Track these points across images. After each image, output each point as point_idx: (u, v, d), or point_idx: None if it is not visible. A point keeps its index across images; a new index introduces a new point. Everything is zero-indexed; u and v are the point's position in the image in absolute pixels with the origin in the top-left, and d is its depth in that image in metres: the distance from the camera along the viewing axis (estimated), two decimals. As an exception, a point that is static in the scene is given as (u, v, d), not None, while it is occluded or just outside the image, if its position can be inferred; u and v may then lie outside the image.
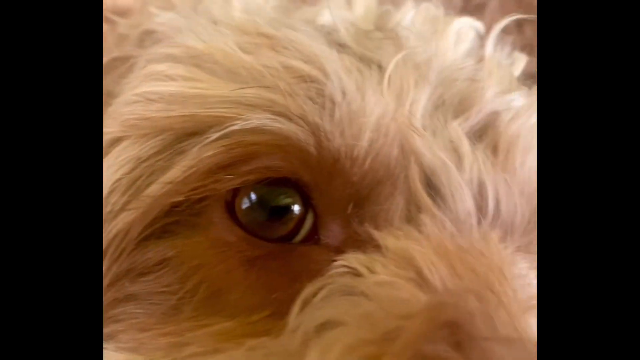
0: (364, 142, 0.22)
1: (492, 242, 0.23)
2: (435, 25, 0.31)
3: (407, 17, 0.30)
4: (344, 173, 0.22)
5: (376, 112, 0.23)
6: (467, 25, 0.32)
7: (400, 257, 0.21)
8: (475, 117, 0.25)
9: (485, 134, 0.26)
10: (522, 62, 0.33)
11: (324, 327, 0.18)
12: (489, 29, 0.34)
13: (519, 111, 0.27)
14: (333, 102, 0.22)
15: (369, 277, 0.20)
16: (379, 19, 0.31)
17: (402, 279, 0.20)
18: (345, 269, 0.21)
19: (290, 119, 0.22)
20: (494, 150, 0.25)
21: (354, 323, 0.18)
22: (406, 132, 0.23)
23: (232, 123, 0.22)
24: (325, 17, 0.29)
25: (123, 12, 0.55)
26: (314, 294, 0.20)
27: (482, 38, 0.34)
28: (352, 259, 0.21)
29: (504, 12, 0.38)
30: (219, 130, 0.22)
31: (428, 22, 0.31)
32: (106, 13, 0.54)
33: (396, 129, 0.23)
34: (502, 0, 0.76)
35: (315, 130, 0.22)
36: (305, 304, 0.19)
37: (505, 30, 0.33)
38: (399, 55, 0.24)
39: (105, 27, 0.52)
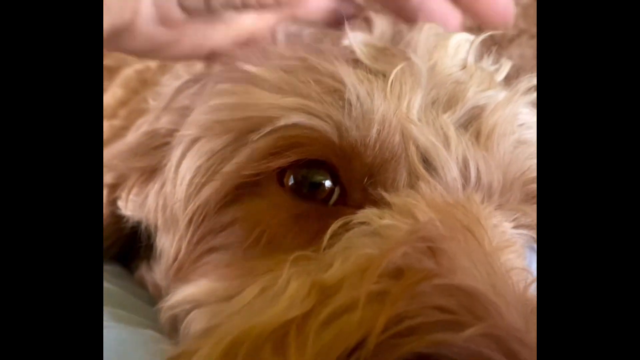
0: (373, 133, 0.30)
1: (473, 200, 0.31)
2: (437, 40, 0.39)
3: (414, 35, 0.39)
4: (360, 156, 0.31)
5: (381, 110, 0.31)
6: (463, 40, 0.40)
7: (402, 210, 0.29)
8: (460, 110, 0.33)
9: (471, 124, 0.33)
10: (507, 66, 0.41)
11: (345, 249, 0.27)
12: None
13: (498, 105, 0.34)
14: (350, 105, 0.31)
15: (379, 222, 0.28)
16: (393, 38, 0.39)
17: (402, 223, 0.28)
18: (363, 218, 0.29)
19: (319, 118, 0.31)
20: (477, 135, 0.33)
21: (365, 246, 0.26)
22: (405, 123, 0.31)
23: (278, 121, 0.31)
24: (347, 40, 0.38)
25: None
26: (340, 229, 0.28)
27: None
28: (369, 212, 0.29)
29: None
30: (269, 127, 0.31)
31: (432, 38, 0.39)
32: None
33: (397, 121, 0.31)
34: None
35: (337, 126, 0.31)
36: (334, 236, 0.28)
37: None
38: (398, 67, 0.32)
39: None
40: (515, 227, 0.33)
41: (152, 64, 0.66)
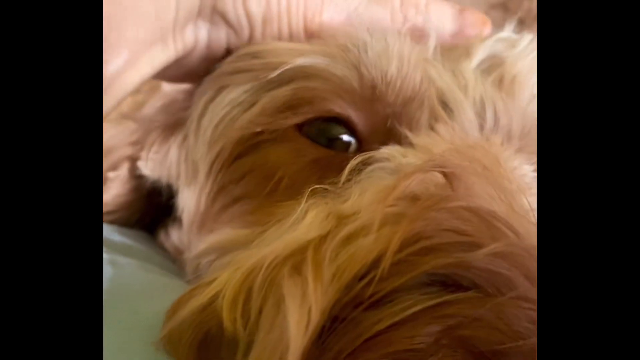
0: (393, 69, 0.30)
1: (493, 142, 0.30)
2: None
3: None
4: (382, 96, 0.31)
5: (397, 48, 0.31)
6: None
7: (423, 149, 0.29)
8: (479, 57, 0.33)
9: (494, 70, 0.33)
10: (529, 38, 0.40)
11: (364, 182, 0.27)
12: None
13: (520, 55, 0.34)
14: (365, 45, 0.31)
15: (400, 159, 0.28)
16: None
17: (422, 160, 0.28)
18: (385, 154, 0.29)
19: (337, 60, 0.31)
20: (501, 80, 0.33)
21: (384, 179, 0.26)
22: (424, 64, 0.31)
23: (295, 61, 0.31)
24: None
25: None
26: (360, 164, 0.28)
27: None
28: (391, 148, 0.29)
29: None
30: (288, 65, 0.31)
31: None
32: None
33: (416, 60, 0.31)
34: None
35: (356, 65, 0.30)
36: (353, 173, 0.28)
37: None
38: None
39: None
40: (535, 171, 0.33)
41: None
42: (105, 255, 0.31)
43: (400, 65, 0.31)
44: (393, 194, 0.23)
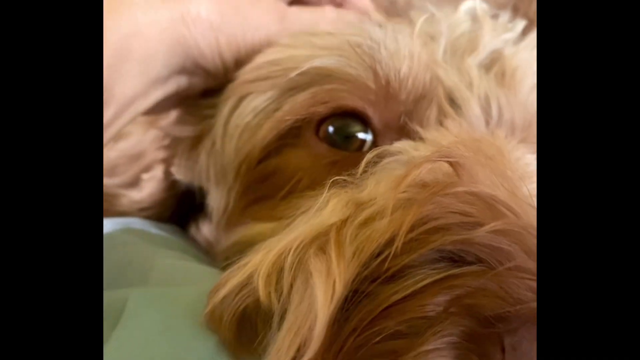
0: (404, 68, 0.33)
1: (497, 135, 0.33)
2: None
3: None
4: (395, 94, 0.33)
5: (408, 49, 0.33)
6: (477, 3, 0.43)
7: (433, 143, 0.31)
8: (482, 54, 0.36)
9: (495, 65, 0.36)
10: (522, 24, 0.43)
11: (380, 173, 0.29)
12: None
13: (519, 49, 0.37)
14: (378, 44, 0.33)
15: (412, 152, 0.31)
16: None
17: (431, 152, 0.30)
18: (398, 148, 0.31)
19: (353, 60, 0.33)
20: (502, 75, 0.35)
21: (397, 169, 0.29)
22: (432, 64, 0.34)
23: (313, 62, 0.33)
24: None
25: None
26: (376, 157, 0.30)
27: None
28: (404, 143, 0.32)
29: None
30: (306, 66, 0.33)
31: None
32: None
33: (426, 61, 0.34)
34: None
35: (370, 63, 0.33)
36: (369, 165, 0.30)
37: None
38: (423, 17, 0.35)
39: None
40: None
41: None
42: (147, 246, 0.34)
43: (411, 64, 0.33)
44: (405, 182, 0.25)
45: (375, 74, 0.33)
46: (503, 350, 0.21)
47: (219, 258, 0.36)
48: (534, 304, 0.21)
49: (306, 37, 0.38)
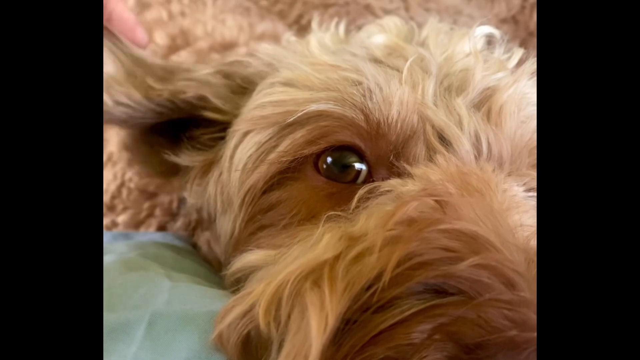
0: (394, 113, 0.36)
1: (485, 169, 0.35)
2: (448, 35, 0.44)
3: (425, 32, 0.44)
4: (385, 135, 0.36)
5: (398, 95, 0.36)
6: (473, 33, 0.45)
7: (422, 178, 0.33)
8: (472, 93, 0.38)
9: (483, 104, 0.38)
10: (519, 54, 0.45)
11: (370, 207, 0.32)
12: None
13: (505, 86, 0.38)
14: (371, 92, 0.36)
15: (401, 188, 0.33)
16: (406, 36, 0.45)
17: (418, 188, 0.33)
18: (388, 186, 0.34)
19: (346, 105, 0.36)
20: (489, 113, 0.37)
21: (387, 206, 0.32)
22: (420, 107, 0.36)
23: (310, 107, 0.36)
24: (366, 40, 0.44)
25: (229, 45, 0.73)
26: (367, 194, 0.33)
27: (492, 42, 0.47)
28: (393, 181, 0.34)
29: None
30: (302, 111, 0.36)
31: (443, 33, 0.44)
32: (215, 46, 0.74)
33: (413, 104, 0.36)
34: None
35: (363, 109, 0.36)
36: (362, 201, 0.33)
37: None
38: (409, 61, 0.38)
39: (216, 56, 0.71)
40: (525, 191, 0.37)
41: None
42: (161, 270, 0.37)
43: (400, 109, 0.36)
44: (393, 219, 0.28)
45: (367, 117, 0.36)
46: None
47: (227, 281, 0.39)
48: (511, 332, 0.24)
49: (307, 71, 0.40)
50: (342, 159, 0.37)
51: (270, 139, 0.38)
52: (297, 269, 0.28)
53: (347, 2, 1.24)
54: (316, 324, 0.25)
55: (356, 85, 0.37)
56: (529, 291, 0.25)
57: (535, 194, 0.37)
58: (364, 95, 0.36)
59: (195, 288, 0.35)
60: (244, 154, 0.39)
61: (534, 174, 0.38)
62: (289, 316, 0.27)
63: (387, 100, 0.36)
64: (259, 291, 0.29)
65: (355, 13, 1.24)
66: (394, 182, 0.34)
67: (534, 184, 0.38)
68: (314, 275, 0.28)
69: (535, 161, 0.38)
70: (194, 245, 0.50)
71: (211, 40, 0.81)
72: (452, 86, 0.39)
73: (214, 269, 0.45)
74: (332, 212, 0.33)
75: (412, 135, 0.36)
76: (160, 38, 0.79)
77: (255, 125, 0.39)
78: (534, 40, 1.26)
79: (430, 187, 0.30)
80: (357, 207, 0.33)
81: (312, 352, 0.24)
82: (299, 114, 0.37)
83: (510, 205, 0.33)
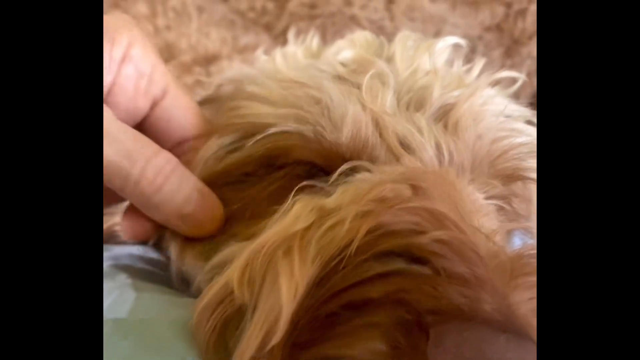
0: (347, 131, 0.37)
1: (449, 171, 0.36)
2: (414, 49, 0.46)
3: (393, 47, 0.46)
4: (339, 151, 0.37)
5: (354, 111, 0.38)
6: (445, 45, 0.47)
7: (388, 172, 0.34)
8: (430, 109, 0.39)
9: (441, 119, 0.39)
10: (480, 65, 0.47)
11: (349, 183, 0.34)
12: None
13: (462, 101, 0.40)
14: (329, 110, 0.38)
15: (383, 171, 0.35)
16: (375, 50, 0.46)
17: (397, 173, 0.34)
18: (372, 167, 0.35)
19: (305, 124, 0.38)
20: (446, 126, 0.39)
21: (364, 184, 0.33)
22: (379, 116, 0.37)
23: (272, 128, 0.38)
24: (335, 56, 0.45)
25: (212, 58, 0.74)
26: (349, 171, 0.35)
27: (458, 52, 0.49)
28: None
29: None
30: (264, 132, 0.38)
31: (409, 47, 0.46)
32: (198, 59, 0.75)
33: (370, 118, 0.37)
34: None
35: (319, 129, 0.38)
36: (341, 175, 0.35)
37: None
38: (367, 76, 0.39)
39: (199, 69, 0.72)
40: (485, 198, 0.39)
41: (190, 80, 0.75)
42: (130, 281, 0.38)
43: (354, 127, 0.37)
44: (367, 197, 0.30)
45: (322, 135, 0.38)
46: (428, 338, 0.25)
47: (203, 280, 0.39)
48: (465, 307, 0.25)
49: (272, 86, 0.42)
50: (305, 171, 0.39)
51: (232, 142, 0.40)
52: (269, 240, 0.30)
53: (333, 13, 1.26)
54: (286, 290, 0.27)
55: (317, 103, 0.39)
56: (485, 273, 0.26)
57: (495, 201, 0.39)
58: (322, 114, 0.38)
59: (160, 298, 0.37)
60: (206, 152, 0.41)
61: (494, 182, 0.39)
62: (261, 284, 0.29)
63: (343, 119, 0.38)
64: (233, 267, 0.31)
65: (340, 24, 1.26)
66: (374, 166, 0.36)
67: (494, 192, 0.40)
68: (285, 245, 0.29)
69: (495, 172, 0.40)
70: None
71: (194, 53, 0.84)
72: (411, 102, 0.40)
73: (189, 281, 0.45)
74: (307, 183, 0.34)
75: (366, 146, 0.37)
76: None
77: (220, 130, 0.41)
78: (519, 48, 1.29)
79: (407, 172, 0.32)
80: (336, 180, 0.34)
81: (282, 317, 0.27)
82: (260, 135, 0.38)
83: (474, 208, 0.35)
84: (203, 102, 0.48)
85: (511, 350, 0.23)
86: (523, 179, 0.41)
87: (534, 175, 0.40)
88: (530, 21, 1.27)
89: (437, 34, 1.27)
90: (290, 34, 0.56)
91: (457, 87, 0.42)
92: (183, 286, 0.43)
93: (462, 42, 0.49)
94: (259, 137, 0.38)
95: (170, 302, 0.37)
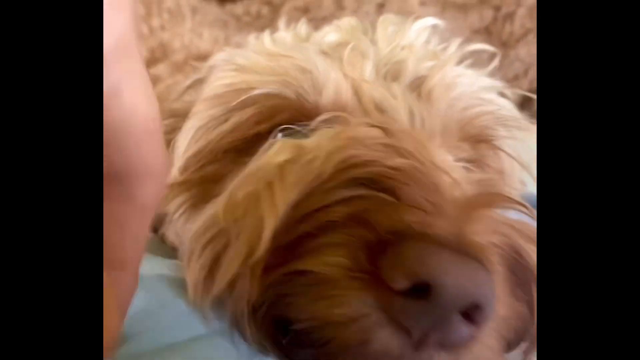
0: (329, 94, 0.40)
1: (419, 131, 0.39)
2: (399, 27, 0.48)
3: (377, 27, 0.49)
4: (319, 113, 0.40)
5: (336, 77, 0.40)
6: (424, 25, 0.50)
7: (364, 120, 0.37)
8: (405, 79, 0.42)
9: (415, 89, 0.42)
10: (455, 44, 0.49)
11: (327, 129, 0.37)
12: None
13: (432, 72, 0.43)
14: (312, 75, 0.41)
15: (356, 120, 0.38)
16: (361, 33, 0.49)
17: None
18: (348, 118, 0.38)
19: (289, 87, 0.41)
20: (420, 95, 0.42)
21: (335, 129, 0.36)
22: (358, 83, 0.40)
23: (258, 90, 0.41)
24: (321, 39, 0.48)
25: (204, 57, 0.77)
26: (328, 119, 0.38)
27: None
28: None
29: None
30: (251, 92, 0.41)
31: (391, 27, 0.49)
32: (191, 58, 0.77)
33: (350, 85, 0.40)
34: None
35: (302, 92, 0.40)
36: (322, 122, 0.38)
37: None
38: (347, 48, 0.42)
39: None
40: (455, 160, 0.40)
41: (181, 77, 0.75)
42: None
43: (335, 91, 0.40)
44: (341, 136, 0.33)
45: (306, 98, 0.41)
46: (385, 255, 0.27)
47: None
48: (420, 229, 0.28)
49: (259, 58, 0.45)
50: (290, 135, 0.41)
51: (221, 115, 0.43)
52: (251, 172, 0.33)
53: (325, 17, 1.30)
54: (268, 212, 0.30)
55: (302, 72, 0.41)
56: (442, 201, 0.29)
57: (463, 163, 0.41)
58: (305, 79, 0.41)
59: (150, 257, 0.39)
60: (197, 122, 0.43)
61: (464, 146, 0.42)
62: (244, 211, 0.32)
63: (325, 83, 0.41)
64: (219, 200, 0.34)
65: (332, 27, 1.30)
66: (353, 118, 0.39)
67: (463, 155, 0.42)
68: (266, 176, 0.32)
69: (464, 135, 0.42)
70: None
71: (187, 52, 0.86)
72: (388, 74, 0.43)
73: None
74: (286, 126, 0.37)
75: (345, 109, 0.40)
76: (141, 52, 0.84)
77: (210, 102, 0.44)
78: (507, 51, 1.32)
79: (381, 120, 0.36)
80: (316, 127, 0.37)
81: (264, 235, 0.29)
82: (247, 95, 0.41)
83: (443, 166, 0.36)
84: (193, 84, 0.51)
85: (453, 263, 0.26)
86: (489, 141, 0.43)
87: (500, 142, 0.43)
88: (518, 24, 1.31)
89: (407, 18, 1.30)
90: (281, 23, 0.58)
91: (430, 60, 0.44)
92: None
93: (439, 22, 0.51)
94: (244, 97, 0.41)
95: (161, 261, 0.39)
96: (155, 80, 0.76)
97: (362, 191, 0.30)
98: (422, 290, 0.26)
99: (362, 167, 0.30)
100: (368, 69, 0.42)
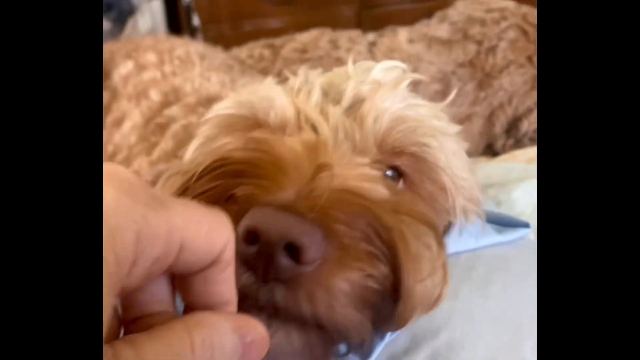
0: (278, 113, 0.51)
1: (338, 145, 0.49)
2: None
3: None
4: (271, 126, 0.51)
5: (282, 102, 0.51)
6: (388, 66, 0.60)
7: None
8: (344, 104, 0.52)
9: (353, 112, 0.52)
10: (396, 73, 0.60)
11: None
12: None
13: (369, 97, 0.52)
14: (261, 100, 0.53)
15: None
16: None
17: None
18: None
19: (245, 109, 0.53)
20: (355, 117, 0.51)
21: None
22: (300, 105, 0.51)
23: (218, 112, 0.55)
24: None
25: (213, 99, 0.88)
26: None
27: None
28: None
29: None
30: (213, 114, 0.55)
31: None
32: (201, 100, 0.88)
33: (295, 107, 0.51)
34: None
35: (254, 112, 0.53)
36: None
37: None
38: (298, 78, 0.55)
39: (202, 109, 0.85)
40: (373, 168, 0.47)
41: (195, 119, 0.84)
42: None
43: (279, 112, 0.51)
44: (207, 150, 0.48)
45: (257, 118, 0.53)
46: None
47: None
48: (263, 200, 0.37)
49: (243, 95, 0.57)
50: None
51: (212, 138, 0.55)
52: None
53: (321, 56, 1.43)
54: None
55: (263, 98, 0.53)
56: (282, 180, 0.38)
57: (380, 168, 0.49)
58: (260, 103, 0.53)
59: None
60: (196, 143, 0.56)
61: (382, 156, 0.50)
62: None
63: (274, 106, 0.52)
64: None
65: (328, 65, 1.43)
66: None
67: (379, 166, 0.49)
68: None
69: (384, 152, 0.51)
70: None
71: (197, 95, 0.94)
72: (333, 99, 0.53)
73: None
74: None
75: (287, 125, 0.51)
76: (155, 95, 0.96)
77: (206, 127, 0.56)
78: (490, 81, 1.43)
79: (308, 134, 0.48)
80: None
81: None
82: (213, 114, 0.55)
83: (346, 167, 0.45)
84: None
85: (273, 215, 0.34)
86: (407, 152, 0.51)
87: (416, 149, 0.51)
88: (500, 57, 1.42)
89: (415, 70, 1.41)
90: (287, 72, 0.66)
91: (366, 82, 0.54)
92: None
93: (402, 65, 0.60)
94: (211, 115, 0.54)
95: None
96: (170, 121, 0.88)
97: (223, 180, 0.41)
98: (255, 237, 0.34)
99: (229, 164, 0.41)
100: (315, 97, 0.54)
